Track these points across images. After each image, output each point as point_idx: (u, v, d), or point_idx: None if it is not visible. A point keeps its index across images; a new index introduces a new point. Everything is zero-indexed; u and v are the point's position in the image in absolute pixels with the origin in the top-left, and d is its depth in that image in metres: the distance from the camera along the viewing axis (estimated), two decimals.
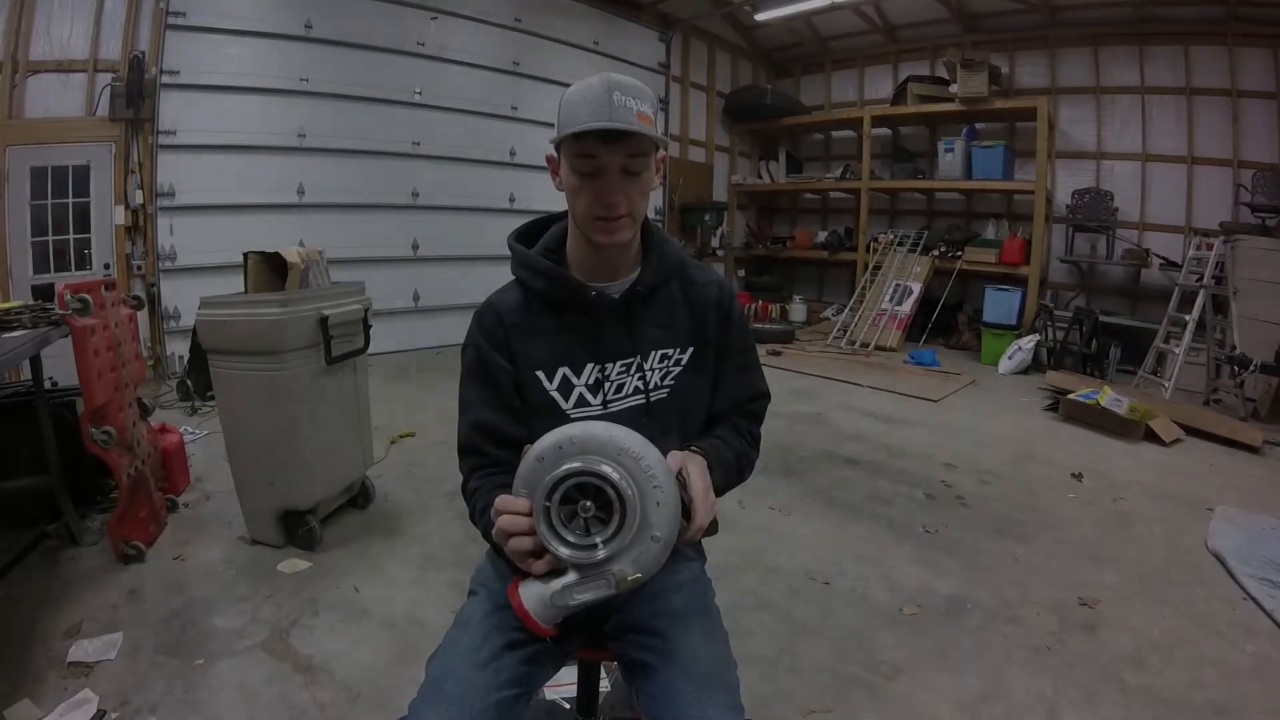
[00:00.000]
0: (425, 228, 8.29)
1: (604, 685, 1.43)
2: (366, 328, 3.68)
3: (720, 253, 11.69)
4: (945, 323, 9.94)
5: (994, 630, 2.91)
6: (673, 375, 1.49)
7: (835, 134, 12.08)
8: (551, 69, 9.15)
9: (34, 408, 3.26)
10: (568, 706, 1.61)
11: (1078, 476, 4.71)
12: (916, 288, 9.67)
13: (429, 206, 8.28)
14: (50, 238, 6.10)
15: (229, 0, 6.67)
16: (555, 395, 1.43)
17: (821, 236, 11.73)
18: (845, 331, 9.66)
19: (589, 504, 1.14)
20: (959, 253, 9.68)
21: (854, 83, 11.74)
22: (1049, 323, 8.39)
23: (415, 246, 8.24)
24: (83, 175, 6.21)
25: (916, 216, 11.23)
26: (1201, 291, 6.92)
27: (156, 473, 3.63)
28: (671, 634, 1.34)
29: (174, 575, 3.15)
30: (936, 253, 9.89)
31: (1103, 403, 5.79)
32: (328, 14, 7.23)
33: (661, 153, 1.38)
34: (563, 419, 1.41)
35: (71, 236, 6.21)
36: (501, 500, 1.19)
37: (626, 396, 1.46)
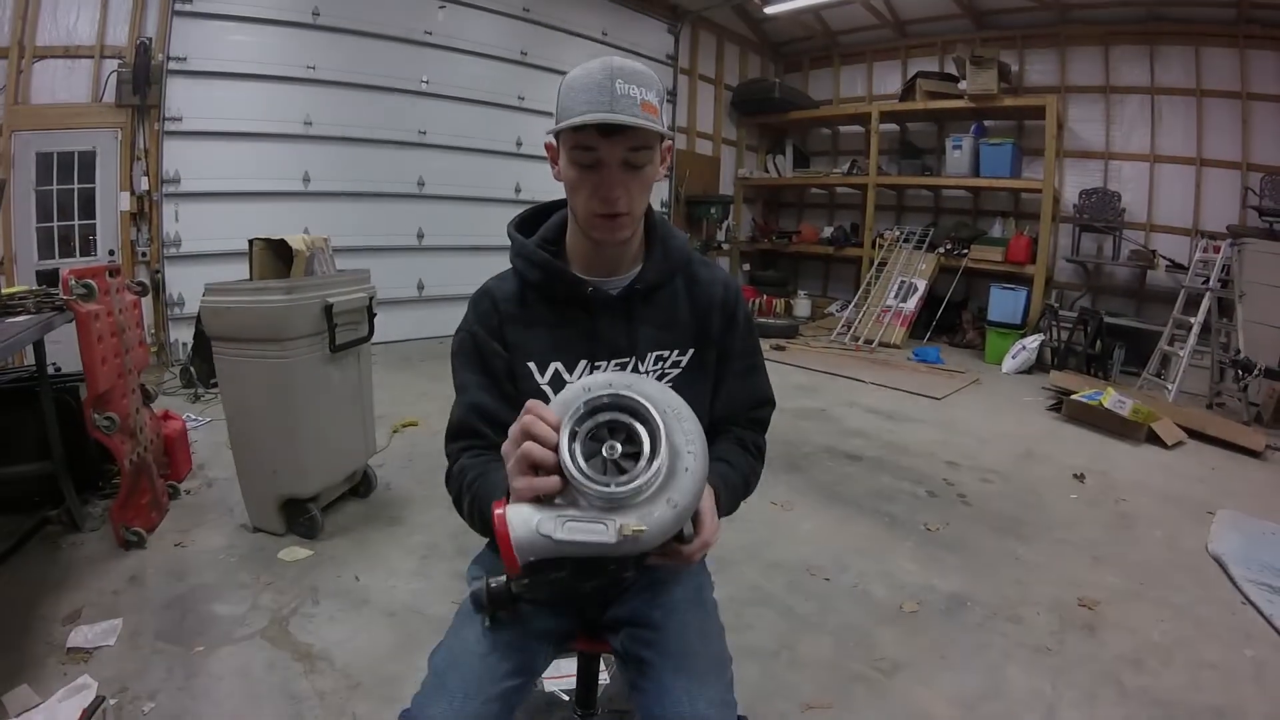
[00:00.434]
0: (430, 217, 8.29)
1: (603, 678, 1.43)
2: (371, 316, 3.68)
3: (726, 246, 11.69)
4: (950, 320, 9.93)
5: (994, 629, 2.90)
6: (670, 377, 1.44)
7: (843, 129, 12.05)
8: (559, 59, 9.12)
9: (37, 393, 3.27)
10: (567, 698, 1.61)
11: (1080, 477, 4.70)
12: (922, 285, 9.65)
13: (434, 196, 8.28)
14: (55, 223, 6.11)
15: None
16: (547, 389, 1.39)
17: (827, 232, 11.72)
18: (850, 327, 9.65)
19: (617, 445, 1.05)
20: (965, 250, 9.66)
21: (863, 78, 11.69)
22: (1054, 322, 8.37)
23: (420, 235, 8.24)
24: (88, 161, 6.21)
25: (923, 213, 11.21)
26: (1207, 294, 6.90)
27: (159, 459, 3.63)
28: (666, 626, 1.33)
29: (175, 562, 3.15)
30: (942, 250, 9.87)
31: (1106, 404, 5.78)
32: (335, 1, 7.22)
33: (667, 141, 1.31)
34: None
35: (77, 222, 6.22)
36: (533, 402, 1.10)
37: None
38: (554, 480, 1.04)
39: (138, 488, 3.27)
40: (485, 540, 1.49)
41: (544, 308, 1.41)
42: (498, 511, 1.04)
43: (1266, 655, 2.79)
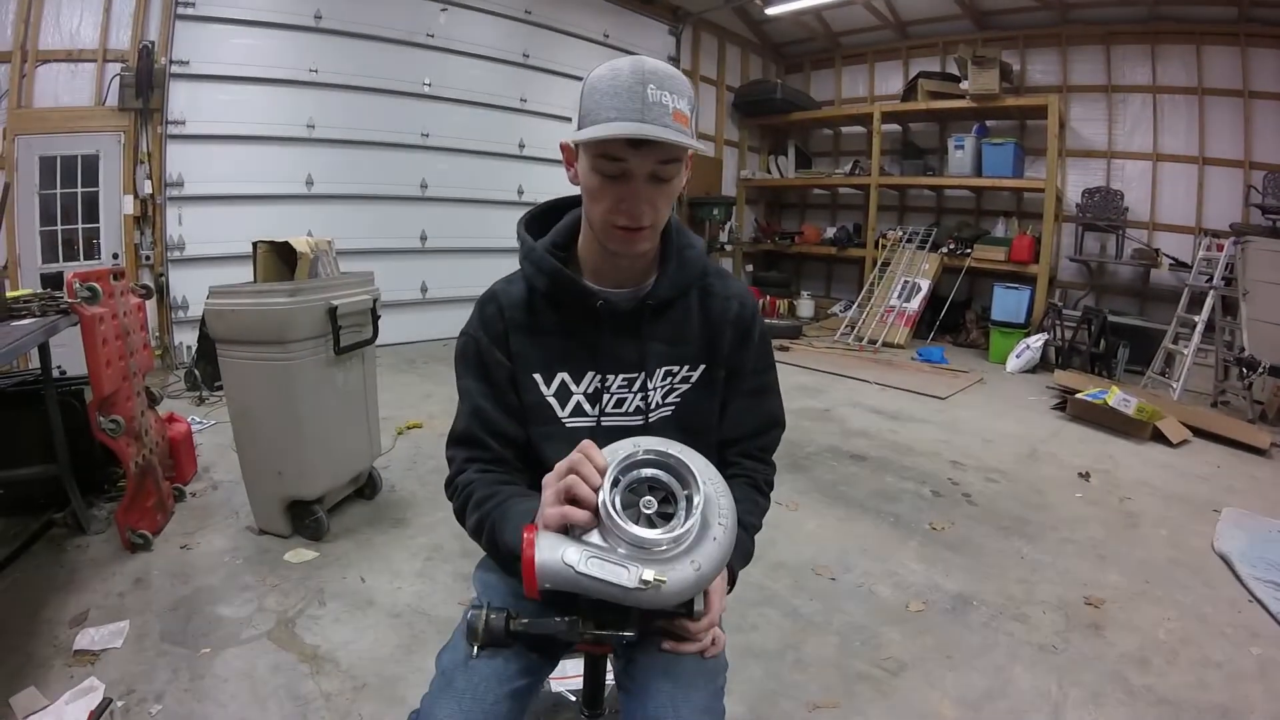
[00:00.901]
0: (434, 219, 8.30)
1: (610, 679, 1.42)
2: (375, 318, 3.68)
3: (728, 247, 11.69)
4: (953, 320, 9.92)
5: (999, 628, 2.90)
6: (678, 393, 1.40)
7: (845, 130, 12.05)
8: (561, 61, 9.16)
9: (42, 396, 3.27)
10: (574, 699, 1.61)
11: (1085, 476, 4.70)
12: (925, 285, 9.64)
13: (437, 198, 8.30)
14: (59, 227, 6.13)
15: None
16: (551, 401, 1.37)
17: (830, 232, 11.72)
18: (853, 328, 9.64)
19: (653, 501, 1.08)
20: (968, 250, 9.65)
21: (864, 78, 11.70)
22: (1057, 322, 8.36)
23: (423, 238, 8.25)
24: (92, 165, 6.23)
25: (926, 213, 11.22)
26: (1211, 292, 6.89)
27: (164, 462, 3.64)
28: (661, 619, 1.30)
29: (181, 564, 3.15)
30: (945, 250, 9.87)
31: (1110, 402, 5.77)
32: (338, 4, 7.24)
33: (691, 151, 1.23)
34: (559, 427, 1.37)
35: (80, 226, 6.24)
36: (586, 443, 1.11)
37: (626, 413, 1.39)
38: (585, 514, 1.06)
39: (143, 490, 3.27)
40: None
41: (552, 316, 1.37)
42: (527, 535, 1.05)
43: (1272, 654, 2.78)
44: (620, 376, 1.37)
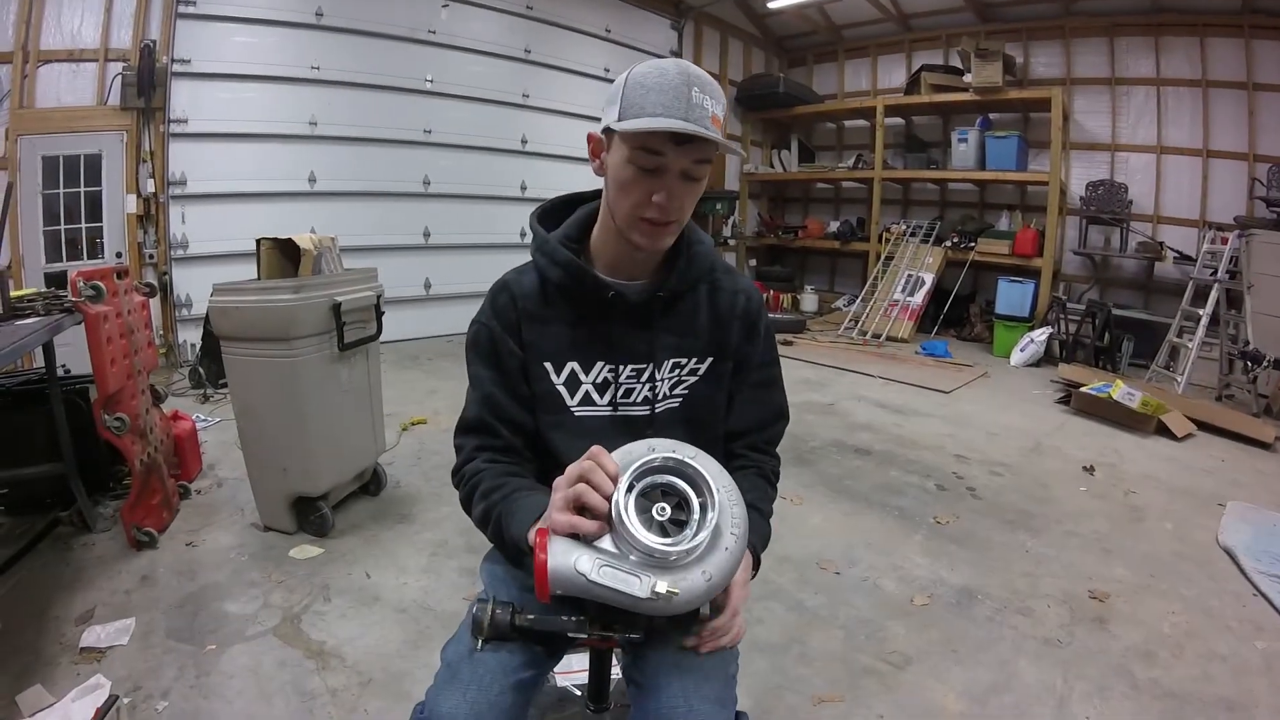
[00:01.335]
0: (437, 215, 8.30)
1: (616, 673, 1.42)
2: (379, 314, 3.68)
3: (732, 242, 11.67)
4: (957, 314, 9.90)
5: (1004, 622, 2.90)
6: (686, 385, 1.43)
7: (848, 123, 12.01)
8: (563, 56, 9.15)
9: (47, 395, 3.28)
10: (579, 694, 1.61)
11: (1089, 470, 4.69)
12: (929, 279, 9.62)
13: (440, 194, 8.29)
14: (62, 226, 6.13)
15: None
16: (561, 390, 1.38)
17: (834, 226, 11.68)
18: (857, 322, 9.64)
19: (667, 508, 1.08)
20: (972, 244, 9.62)
21: (867, 72, 11.67)
22: (1062, 315, 8.35)
23: (426, 234, 8.25)
24: (94, 164, 6.23)
25: (929, 207, 11.19)
26: (1215, 286, 6.88)
27: (169, 459, 3.65)
28: (668, 621, 1.32)
29: (186, 561, 3.16)
30: (949, 243, 9.83)
31: (1115, 396, 5.76)
32: (339, 1, 7.23)
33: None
34: (568, 416, 1.39)
35: (83, 225, 6.25)
36: (597, 449, 1.12)
37: (634, 404, 1.41)
38: (594, 525, 1.06)
39: (148, 488, 3.28)
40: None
41: (564, 306, 1.38)
42: (540, 540, 1.05)
43: (1278, 647, 2.78)
44: (629, 367, 1.39)
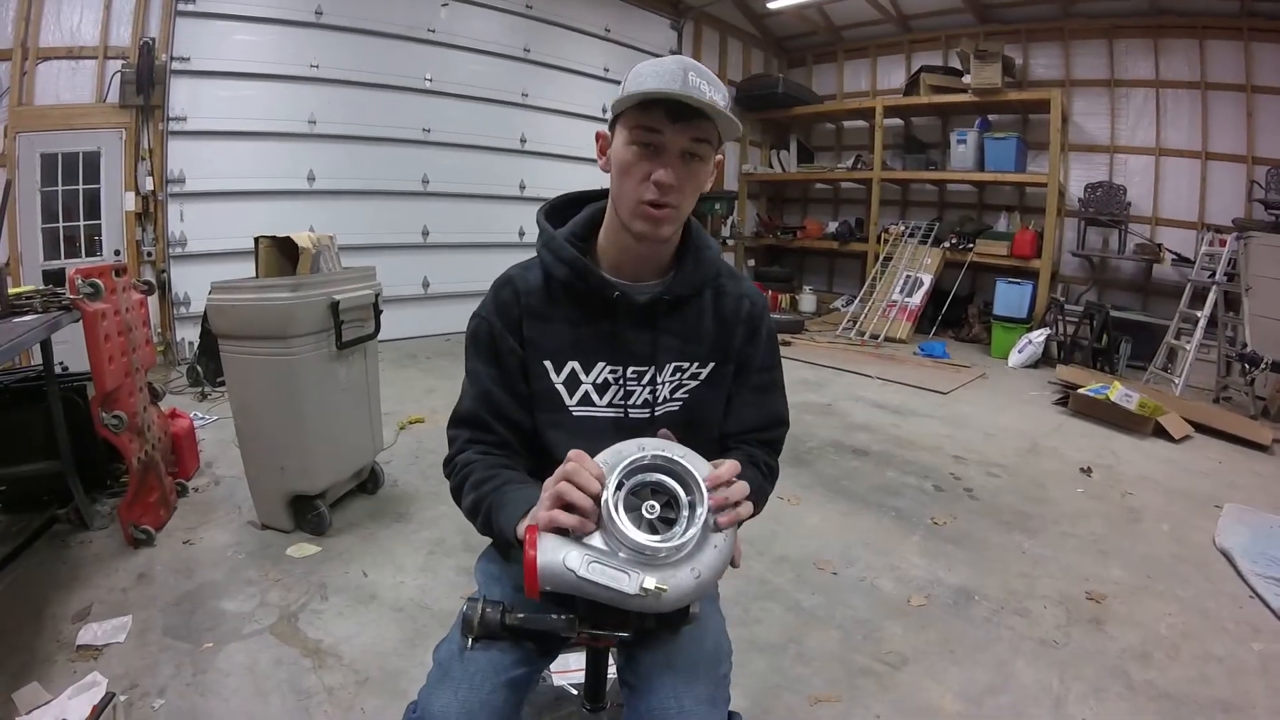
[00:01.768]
0: (435, 214, 8.29)
1: (612, 671, 1.42)
2: (377, 313, 3.68)
3: (730, 242, 11.67)
4: (955, 315, 9.90)
5: (1001, 622, 2.91)
6: (687, 389, 1.42)
7: (847, 124, 12.00)
8: (562, 56, 9.16)
9: (45, 392, 3.28)
10: (575, 693, 1.61)
11: (1086, 471, 4.70)
12: (927, 279, 9.62)
13: (439, 193, 8.29)
14: (60, 224, 6.13)
15: None
16: (560, 389, 1.37)
17: (832, 227, 11.68)
18: (855, 322, 9.64)
19: (656, 505, 1.08)
20: (970, 245, 9.63)
21: (866, 73, 11.67)
22: (1060, 317, 8.36)
23: (425, 233, 8.25)
24: (93, 162, 6.23)
25: (928, 208, 11.20)
26: (1213, 288, 6.89)
27: (166, 457, 3.64)
28: (658, 621, 1.31)
29: (183, 559, 3.16)
30: (948, 244, 9.84)
31: (1112, 398, 5.76)
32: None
33: (719, 156, 1.30)
34: (566, 415, 1.38)
35: (82, 223, 6.24)
36: (575, 452, 1.11)
37: (634, 405, 1.39)
38: (575, 518, 1.06)
39: (146, 486, 3.28)
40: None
41: (567, 305, 1.37)
42: (529, 536, 1.06)
43: (1274, 649, 2.78)
44: (631, 369, 1.38)
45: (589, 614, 1.14)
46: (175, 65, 6.33)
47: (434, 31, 8.00)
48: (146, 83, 6.14)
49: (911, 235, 10.26)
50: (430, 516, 3.67)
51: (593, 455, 1.13)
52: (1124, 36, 9.09)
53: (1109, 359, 7.83)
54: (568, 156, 9.06)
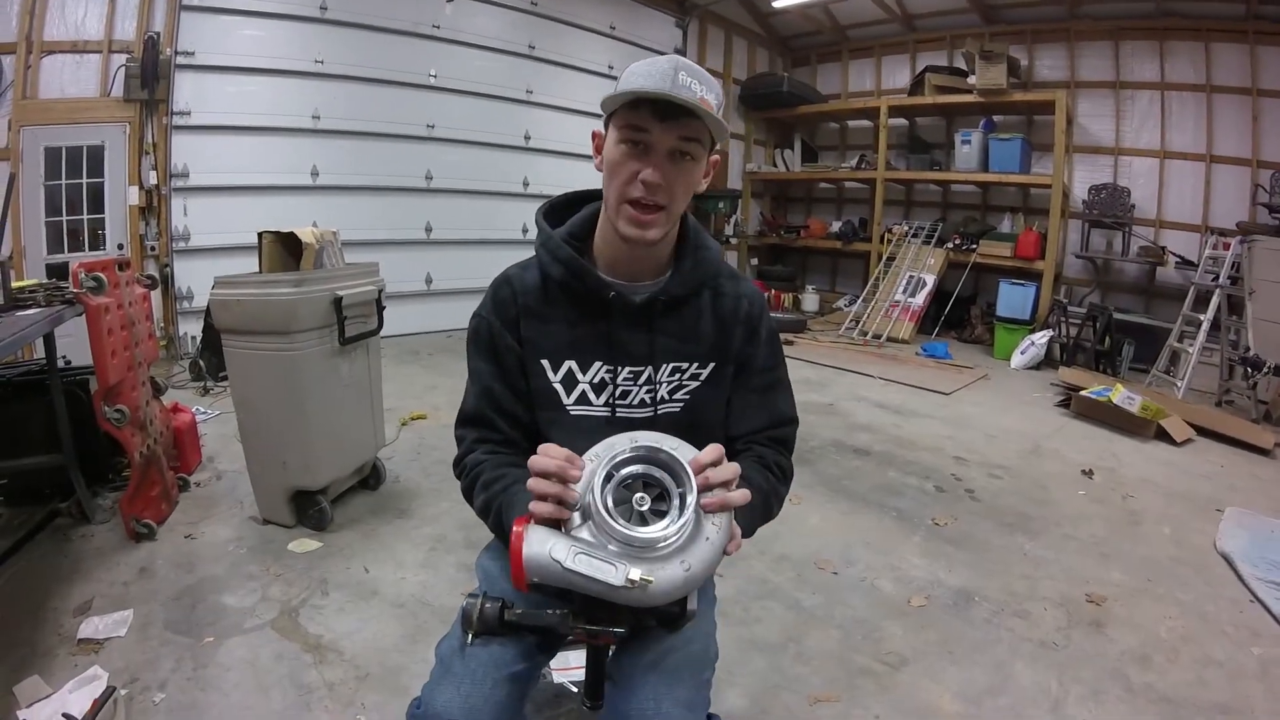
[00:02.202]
0: (439, 211, 8.30)
1: None
2: (380, 309, 3.68)
3: (734, 241, 11.66)
4: (958, 316, 9.90)
5: (1001, 624, 2.91)
6: (687, 389, 1.41)
7: (851, 123, 11.99)
8: (567, 53, 9.16)
9: (47, 386, 3.28)
10: (575, 690, 1.61)
11: (1088, 473, 4.69)
12: (930, 280, 9.62)
13: (443, 189, 8.29)
14: (64, 218, 6.14)
15: None
16: (557, 387, 1.37)
17: (836, 226, 11.67)
18: (858, 322, 9.64)
19: (646, 497, 1.07)
20: (974, 245, 9.61)
21: (871, 72, 11.66)
22: (1063, 318, 8.34)
23: (428, 229, 8.25)
24: (97, 156, 6.24)
25: (932, 208, 11.18)
26: (1217, 291, 6.88)
27: (168, 452, 3.65)
28: (655, 619, 1.30)
29: (185, 553, 3.17)
30: (951, 245, 9.82)
31: (1115, 400, 5.76)
32: None
33: (715, 155, 1.30)
34: (563, 414, 1.38)
35: (85, 217, 6.25)
36: (545, 445, 1.11)
37: (631, 406, 1.39)
38: (549, 507, 1.06)
39: (147, 480, 3.29)
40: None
41: (564, 304, 1.37)
42: (517, 529, 1.05)
43: (1274, 653, 2.78)
44: (627, 369, 1.37)
45: (583, 609, 1.14)
46: (180, 60, 6.34)
47: (438, 27, 7.99)
48: (151, 77, 6.15)
49: (915, 235, 10.25)
50: (431, 513, 3.67)
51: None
52: (1129, 38, 9.08)
53: (1111, 361, 7.82)
54: (571, 153, 9.06)
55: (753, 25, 11.90)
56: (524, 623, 1.19)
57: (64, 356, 3.50)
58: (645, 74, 1.18)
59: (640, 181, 1.22)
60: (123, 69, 6.16)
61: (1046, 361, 8.16)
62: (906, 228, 10.46)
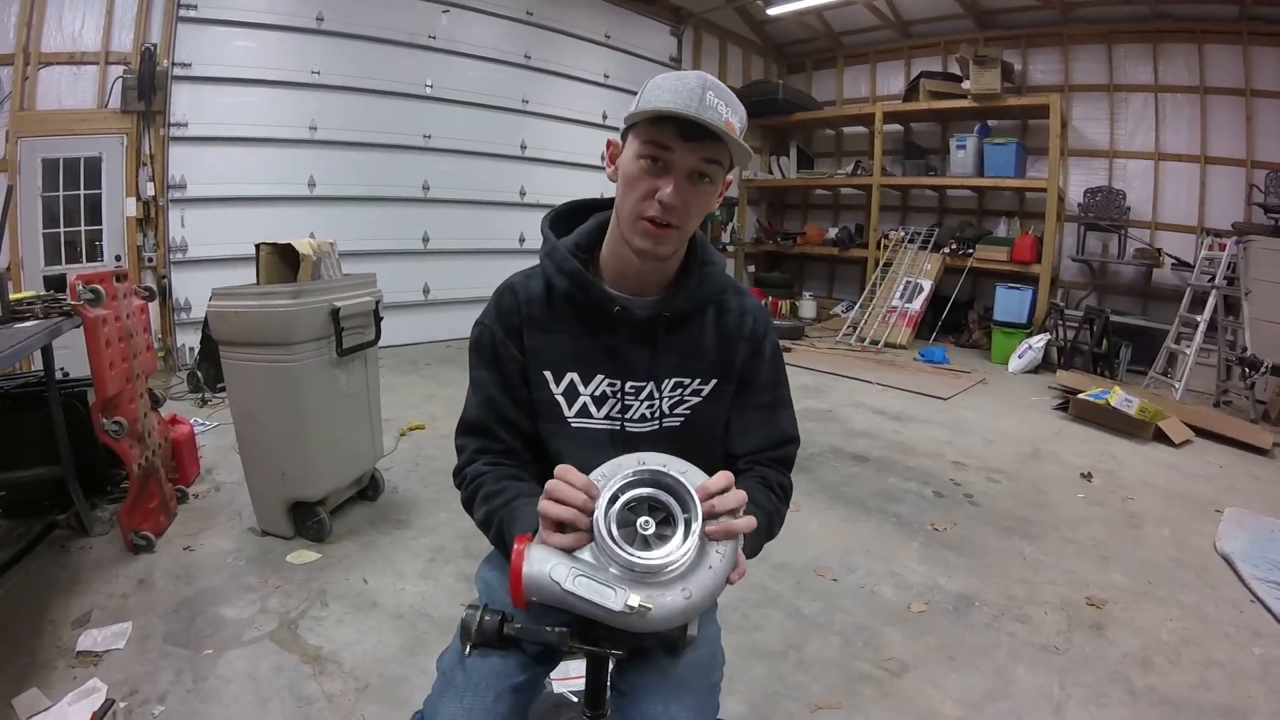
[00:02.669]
0: (436, 221, 8.30)
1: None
2: (378, 320, 3.68)
3: (731, 248, 11.68)
4: (956, 321, 9.91)
5: (1002, 628, 2.90)
6: (689, 405, 1.40)
7: (847, 130, 12.04)
8: (563, 62, 9.18)
9: (46, 398, 3.28)
10: (576, 700, 1.61)
11: (1087, 476, 4.70)
12: (927, 285, 9.63)
13: (440, 199, 8.30)
14: (62, 229, 6.14)
15: None
16: (559, 399, 1.36)
17: (832, 233, 11.69)
18: (855, 328, 9.63)
19: (651, 522, 1.05)
20: (970, 250, 9.63)
21: (866, 78, 11.70)
22: (1060, 322, 8.36)
23: (426, 239, 8.25)
24: (94, 167, 6.24)
25: (928, 213, 11.20)
26: (1213, 292, 6.89)
27: (167, 463, 3.64)
28: (657, 642, 1.26)
29: (183, 565, 3.16)
30: (948, 250, 9.84)
31: (1113, 402, 5.77)
32: (339, 6, 7.25)
33: (728, 176, 1.27)
34: (564, 425, 1.37)
35: (83, 228, 6.25)
36: (561, 468, 1.08)
37: (632, 420, 1.38)
38: (569, 538, 1.04)
39: (146, 492, 3.28)
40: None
41: (568, 316, 1.36)
42: (518, 547, 1.04)
43: (1275, 653, 2.78)
44: (629, 383, 1.36)
45: (581, 629, 1.13)
46: (177, 71, 6.35)
47: (435, 38, 8.02)
48: (148, 88, 6.16)
49: (911, 241, 10.28)
50: (430, 523, 3.67)
51: (591, 467, 1.11)
52: (1123, 41, 9.12)
53: (1109, 364, 7.83)
54: (568, 163, 9.09)
55: (748, 33, 11.94)
56: (524, 637, 1.19)
57: (62, 368, 3.49)
58: (673, 90, 1.16)
59: (658, 201, 1.20)
60: (120, 80, 6.17)
61: (1044, 365, 8.17)
62: (903, 233, 10.50)
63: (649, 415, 1.38)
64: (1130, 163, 9.22)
